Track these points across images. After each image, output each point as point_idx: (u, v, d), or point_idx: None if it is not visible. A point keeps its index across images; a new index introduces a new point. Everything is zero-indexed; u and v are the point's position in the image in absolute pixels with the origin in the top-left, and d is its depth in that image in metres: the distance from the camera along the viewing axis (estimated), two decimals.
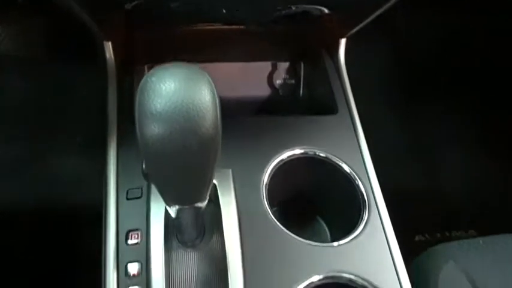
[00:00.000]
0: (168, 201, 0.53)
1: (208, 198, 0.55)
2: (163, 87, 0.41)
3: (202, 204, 0.56)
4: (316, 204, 0.82)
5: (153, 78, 0.41)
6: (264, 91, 0.98)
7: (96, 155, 0.77)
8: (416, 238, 1.25)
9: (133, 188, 0.68)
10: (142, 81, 0.42)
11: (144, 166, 0.52)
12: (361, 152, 0.78)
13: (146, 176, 0.52)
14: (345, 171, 0.76)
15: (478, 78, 1.37)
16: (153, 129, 0.41)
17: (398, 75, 1.37)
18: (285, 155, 0.76)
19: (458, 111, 1.36)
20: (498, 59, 1.35)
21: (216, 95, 0.43)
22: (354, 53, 0.92)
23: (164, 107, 0.40)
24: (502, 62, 1.35)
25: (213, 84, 0.43)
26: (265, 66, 0.98)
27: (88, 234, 0.77)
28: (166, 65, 0.42)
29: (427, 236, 1.19)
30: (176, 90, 0.41)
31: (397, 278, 0.66)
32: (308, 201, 0.81)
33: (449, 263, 0.80)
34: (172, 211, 0.58)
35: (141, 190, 0.68)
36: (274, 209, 0.77)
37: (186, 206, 0.54)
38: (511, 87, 1.36)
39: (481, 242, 0.87)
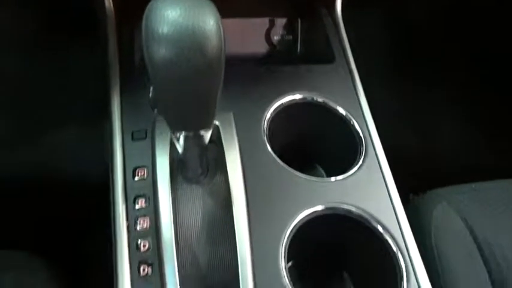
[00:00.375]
0: (175, 128, 0.56)
1: (211, 128, 0.58)
2: (170, 11, 0.43)
3: (207, 134, 0.58)
4: (314, 150, 0.84)
5: (159, 4, 0.43)
6: (261, 47, 1.00)
7: (97, 123, 0.79)
8: (410, 197, 1.29)
9: (138, 130, 0.71)
10: (148, 7, 0.44)
11: (151, 94, 0.54)
12: (357, 97, 0.80)
13: (154, 103, 0.54)
14: (341, 114, 0.78)
15: (475, 39, 1.39)
16: (160, 52, 0.43)
17: (396, 36, 1.39)
18: (285, 99, 0.78)
19: (454, 72, 1.39)
20: (496, 21, 1.37)
21: (220, 20, 0.45)
22: (351, 14, 0.94)
23: (171, 28, 0.42)
24: (499, 23, 1.37)
25: (216, 9, 0.45)
26: (262, 22, 0.99)
27: (93, 203, 0.80)
28: None
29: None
30: (182, 13, 0.43)
31: (393, 211, 0.69)
32: (306, 147, 0.84)
33: (442, 203, 0.83)
34: (179, 144, 0.61)
35: (146, 132, 0.71)
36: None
37: (191, 134, 0.57)
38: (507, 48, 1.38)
39: (473, 186, 0.90)
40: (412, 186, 0.91)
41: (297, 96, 0.79)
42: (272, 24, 0.99)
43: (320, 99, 0.80)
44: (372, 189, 0.71)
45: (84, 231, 0.97)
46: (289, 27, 1.00)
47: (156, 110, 0.61)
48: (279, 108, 0.78)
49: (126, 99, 0.74)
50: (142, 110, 0.71)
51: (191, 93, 0.48)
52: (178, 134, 0.59)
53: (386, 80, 1.36)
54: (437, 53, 1.40)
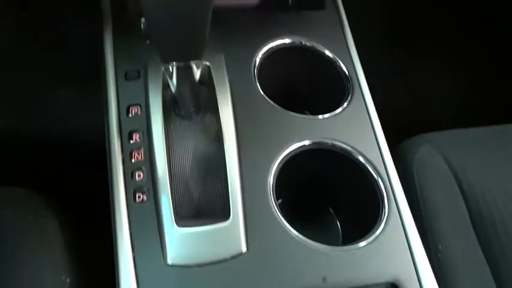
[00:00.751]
0: (166, 58, 0.58)
1: (201, 59, 0.61)
2: None
3: (198, 68, 0.61)
4: (303, 92, 0.87)
5: None
6: None
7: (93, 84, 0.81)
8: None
9: (131, 70, 0.73)
10: None
11: (143, 25, 0.56)
12: (346, 41, 0.83)
13: (146, 33, 0.56)
14: (329, 56, 0.81)
15: None
16: None
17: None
18: (274, 43, 0.80)
19: (447, 33, 1.40)
20: None
21: None
22: None
23: None
24: None
25: None
26: None
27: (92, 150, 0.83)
28: None
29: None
30: None
31: (377, 146, 0.72)
32: (295, 89, 0.87)
33: (426, 145, 0.87)
34: (171, 82, 0.63)
35: (139, 72, 0.73)
36: None
37: (182, 65, 0.59)
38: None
39: (459, 131, 0.93)
40: (400, 134, 0.94)
41: (286, 40, 0.81)
42: None
43: (309, 43, 0.82)
44: (358, 127, 0.74)
45: (83, 172, 1.00)
46: None
47: (148, 42, 0.63)
48: (268, 52, 0.80)
49: (118, 40, 0.76)
50: (135, 50, 0.73)
51: (181, 20, 0.51)
52: (170, 69, 0.61)
53: (377, 30, 1.37)
54: (430, 12, 1.41)
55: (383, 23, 1.43)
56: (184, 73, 0.62)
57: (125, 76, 0.73)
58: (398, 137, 0.88)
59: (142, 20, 0.59)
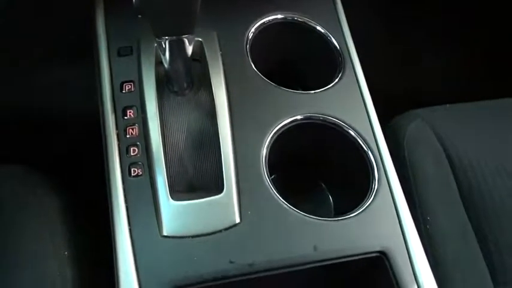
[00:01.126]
0: (159, 33, 0.59)
1: (193, 34, 0.61)
2: None
3: (190, 43, 0.62)
4: (295, 67, 0.88)
5: None
6: None
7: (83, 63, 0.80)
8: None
9: (124, 46, 0.73)
10: None
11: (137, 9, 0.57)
12: (337, 16, 0.83)
13: (138, 8, 0.57)
14: (320, 31, 0.81)
15: None
16: None
17: None
18: (266, 19, 0.81)
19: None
20: None
21: None
22: None
23: None
24: None
25: None
26: None
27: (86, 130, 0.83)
28: None
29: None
30: None
31: (368, 119, 0.74)
32: (287, 65, 0.87)
33: (417, 120, 0.88)
34: (164, 58, 0.64)
35: (131, 48, 0.73)
36: None
37: (175, 39, 0.60)
38: None
39: (449, 106, 0.95)
40: (393, 109, 0.95)
41: (278, 16, 0.81)
42: None
43: (300, 19, 0.82)
44: (349, 101, 0.75)
45: (80, 150, 1.01)
46: None
47: (140, 16, 0.63)
48: (260, 27, 0.80)
49: (110, 16, 0.76)
50: (127, 26, 0.74)
51: None
52: (163, 44, 0.62)
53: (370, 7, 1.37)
54: None
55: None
56: (177, 48, 0.63)
57: (118, 52, 0.73)
58: (390, 112, 0.89)
59: None
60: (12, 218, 0.71)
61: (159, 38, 0.60)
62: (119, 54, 0.73)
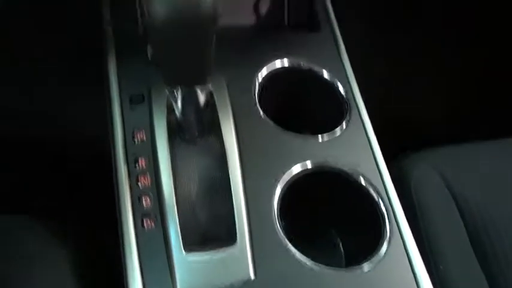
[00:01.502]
0: (172, 83, 0.60)
1: (206, 85, 0.62)
2: None
3: (203, 92, 0.62)
4: (302, 113, 0.89)
5: None
6: (250, 18, 1.02)
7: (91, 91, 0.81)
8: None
9: (136, 94, 0.74)
10: None
11: (150, 50, 0.57)
12: (342, 63, 0.85)
13: (153, 58, 0.57)
14: (327, 79, 0.83)
15: None
16: (159, 8, 0.47)
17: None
18: (273, 66, 0.82)
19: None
20: None
21: None
22: None
23: None
24: None
25: None
26: None
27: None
28: None
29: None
30: None
31: (375, 165, 0.74)
32: (295, 110, 0.88)
33: (422, 162, 0.89)
34: (176, 106, 0.64)
35: (143, 96, 0.74)
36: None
37: (188, 90, 0.61)
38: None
39: (454, 147, 0.96)
40: (397, 147, 0.96)
41: (285, 62, 0.83)
42: None
43: (306, 66, 0.84)
44: (357, 149, 0.76)
45: (83, 193, 1.00)
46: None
47: (154, 66, 0.63)
48: (268, 74, 0.81)
49: (122, 64, 0.77)
50: (139, 74, 0.74)
51: (187, 45, 0.52)
52: (176, 93, 0.62)
53: (374, 48, 1.40)
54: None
55: (377, 34, 1.46)
56: (190, 98, 0.63)
57: (130, 100, 0.74)
58: (394, 149, 0.90)
59: (148, 45, 0.60)
60: (19, 270, 0.69)
61: (172, 87, 0.61)
62: (131, 102, 0.74)
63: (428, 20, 1.45)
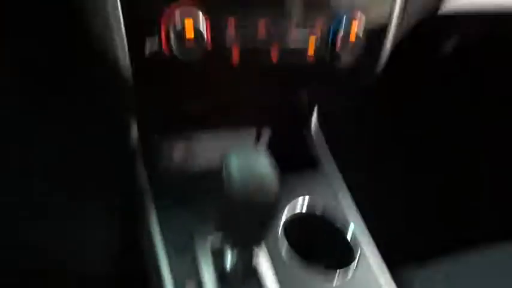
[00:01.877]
0: (234, 245, 0.70)
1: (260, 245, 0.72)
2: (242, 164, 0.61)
3: (258, 249, 0.73)
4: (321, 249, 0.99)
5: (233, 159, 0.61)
6: None
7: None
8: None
9: (179, 241, 0.82)
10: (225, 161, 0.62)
11: (217, 220, 0.69)
12: (349, 206, 0.99)
13: (219, 227, 0.69)
14: (337, 226, 0.95)
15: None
16: (237, 194, 0.60)
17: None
18: (293, 211, 0.94)
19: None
20: None
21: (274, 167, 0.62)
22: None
23: (245, 183, 0.60)
24: None
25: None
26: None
27: None
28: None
29: None
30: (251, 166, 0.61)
31: None
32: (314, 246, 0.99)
33: (415, 284, 1.02)
34: (227, 259, 0.74)
35: (186, 244, 0.81)
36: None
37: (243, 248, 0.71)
38: None
39: (438, 259, 1.08)
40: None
41: (304, 209, 0.96)
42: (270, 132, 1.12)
43: (319, 213, 0.96)
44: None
45: None
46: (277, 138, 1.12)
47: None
48: (289, 219, 0.93)
49: (163, 214, 0.85)
50: (179, 218, 0.83)
51: (255, 220, 0.64)
52: (229, 250, 0.72)
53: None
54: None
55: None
56: (243, 255, 0.73)
57: (174, 250, 0.81)
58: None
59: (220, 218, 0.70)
60: None
61: (233, 248, 0.71)
62: (175, 251, 0.81)
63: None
